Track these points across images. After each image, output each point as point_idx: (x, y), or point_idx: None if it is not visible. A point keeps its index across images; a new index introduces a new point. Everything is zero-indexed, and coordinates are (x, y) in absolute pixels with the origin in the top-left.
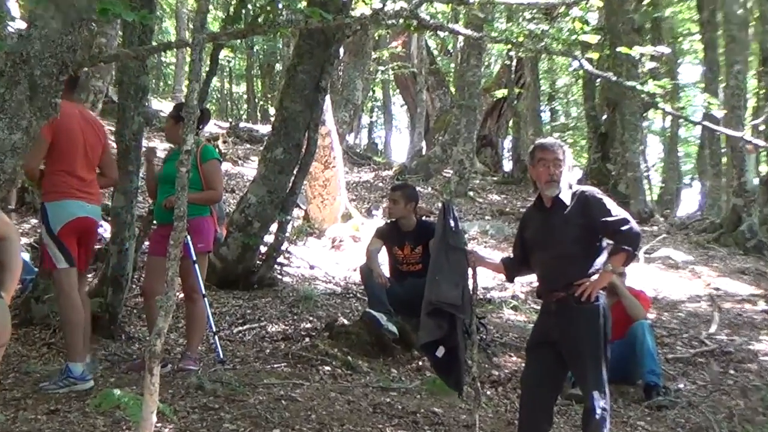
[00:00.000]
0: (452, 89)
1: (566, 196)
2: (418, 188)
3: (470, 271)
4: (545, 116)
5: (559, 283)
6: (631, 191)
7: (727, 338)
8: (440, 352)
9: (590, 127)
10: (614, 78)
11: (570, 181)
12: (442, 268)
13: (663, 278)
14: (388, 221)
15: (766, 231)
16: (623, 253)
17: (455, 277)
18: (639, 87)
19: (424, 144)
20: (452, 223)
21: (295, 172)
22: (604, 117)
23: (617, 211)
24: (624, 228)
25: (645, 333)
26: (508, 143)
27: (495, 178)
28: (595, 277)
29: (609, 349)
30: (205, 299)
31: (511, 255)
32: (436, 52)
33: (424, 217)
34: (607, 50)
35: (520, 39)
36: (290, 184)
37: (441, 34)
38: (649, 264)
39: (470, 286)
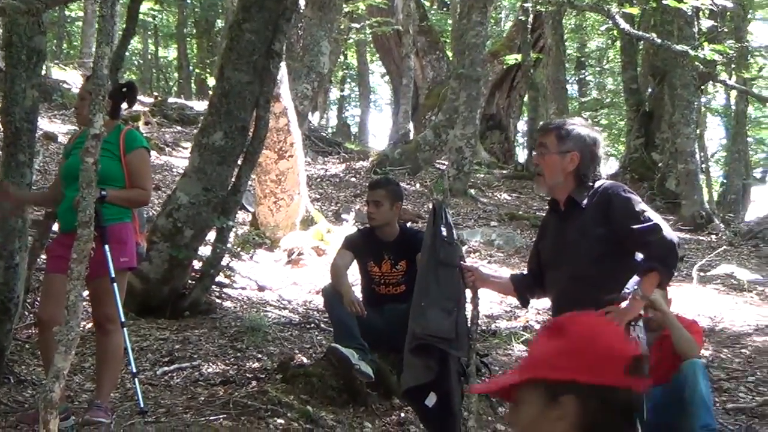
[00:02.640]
0: (449, 54)
1: (581, 196)
2: (403, 184)
3: (469, 294)
4: (572, 89)
5: (568, 304)
6: (682, 189)
7: None
8: (430, 400)
9: (630, 104)
10: (660, 41)
11: (596, 174)
12: (429, 292)
13: (723, 303)
14: (362, 228)
15: None
16: (654, 273)
17: (447, 303)
18: (692, 52)
19: (411, 126)
20: (444, 232)
21: (239, 163)
22: (649, 91)
23: (649, 215)
24: (653, 238)
25: (698, 375)
26: (522, 125)
27: (505, 172)
28: (625, 304)
29: (644, 399)
30: (125, 330)
31: (525, 271)
32: (428, 4)
33: (409, 224)
34: (653, 3)
35: None
36: (233, 180)
37: None
38: (704, 285)
39: (468, 314)
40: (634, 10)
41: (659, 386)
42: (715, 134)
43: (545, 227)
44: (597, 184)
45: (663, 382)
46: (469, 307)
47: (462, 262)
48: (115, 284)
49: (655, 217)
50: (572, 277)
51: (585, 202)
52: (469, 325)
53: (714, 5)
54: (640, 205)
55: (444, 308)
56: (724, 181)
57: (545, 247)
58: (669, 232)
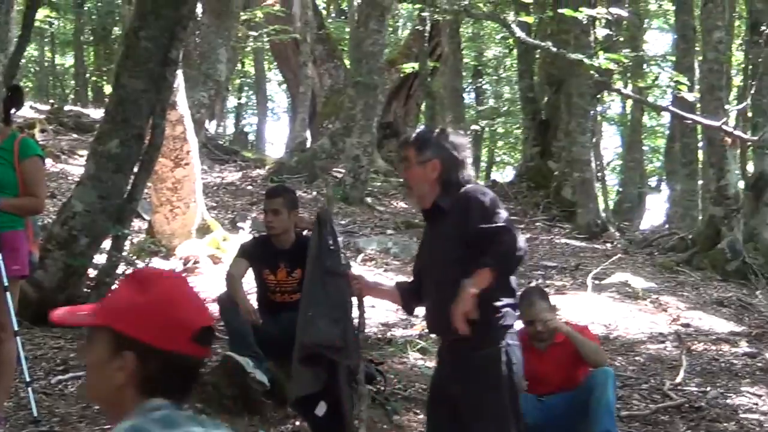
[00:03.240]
0: (347, 62)
1: (445, 201)
2: (299, 192)
3: (356, 302)
4: (469, 98)
5: (441, 320)
6: (578, 197)
7: (698, 390)
8: (321, 409)
9: (527, 112)
10: (555, 49)
11: (463, 178)
12: (317, 301)
13: (617, 311)
14: (257, 236)
15: (752, 250)
16: (487, 271)
17: (334, 312)
18: (587, 61)
19: (308, 134)
20: (330, 240)
21: (135, 170)
22: (545, 100)
23: (499, 218)
24: (497, 239)
25: (608, 383)
26: None
27: (402, 180)
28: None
29: (518, 405)
30: (18, 339)
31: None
32: (325, 13)
33: (305, 232)
34: (550, 12)
35: None
36: (129, 187)
37: None
38: (599, 293)
39: (356, 322)
40: (530, 19)
41: (562, 393)
42: (611, 143)
43: (423, 236)
44: (463, 189)
45: (565, 388)
46: (357, 314)
47: (348, 271)
48: (7, 292)
49: (506, 222)
50: (438, 282)
51: (447, 206)
52: (357, 332)
53: (609, 14)
54: (496, 209)
55: (332, 317)
56: (620, 189)
57: (420, 255)
58: (514, 237)
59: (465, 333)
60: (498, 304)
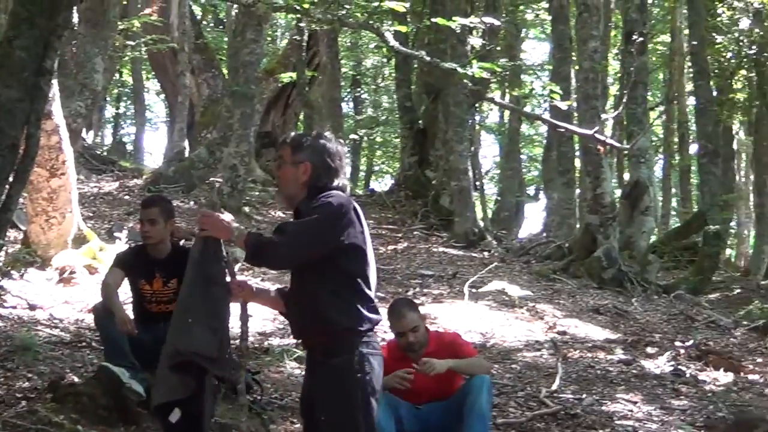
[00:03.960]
0: (225, 71)
1: (307, 206)
2: (176, 202)
3: (240, 309)
4: (347, 107)
5: (294, 326)
6: (455, 206)
7: (573, 397)
8: (174, 416)
9: (405, 122)
10: (429, 58)
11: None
12: (196, 308)
13: (494, 319)
14: (133, 245)
15: (627, 258)
16: (256, 242)
17: (213, 321)
18: (461, 70)
19: (186, 144)
20: (212, 251)
21: (10, 181)
22: (423, 109)
23: (304, 225)
24: (279, 233)
25: (483, 389)
26: None
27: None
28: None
29: (372, 416)
30: None
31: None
32: (204, 23)
33: (182, 241)
34: (426, 21)
35: (306, 5)
36: (3, 198)
37: None
38: (476, 301)
39: (238, 331)
40: (404, 28)
41: (439, 401)
42: (489, 152)
43: None
44: (323, 194)
45: (442, 396)
46: (237, 323)
47: (232, 278)
48: None
49: (306, 229)
50: (293, 288)
51: (306, 211)
52: (240, 341)
53: (483, 24)
54: (321, 219)
55: (210, 326)
56: (498, 198)
57: None
58: (292, 241)
59: None
60: (350, 311)
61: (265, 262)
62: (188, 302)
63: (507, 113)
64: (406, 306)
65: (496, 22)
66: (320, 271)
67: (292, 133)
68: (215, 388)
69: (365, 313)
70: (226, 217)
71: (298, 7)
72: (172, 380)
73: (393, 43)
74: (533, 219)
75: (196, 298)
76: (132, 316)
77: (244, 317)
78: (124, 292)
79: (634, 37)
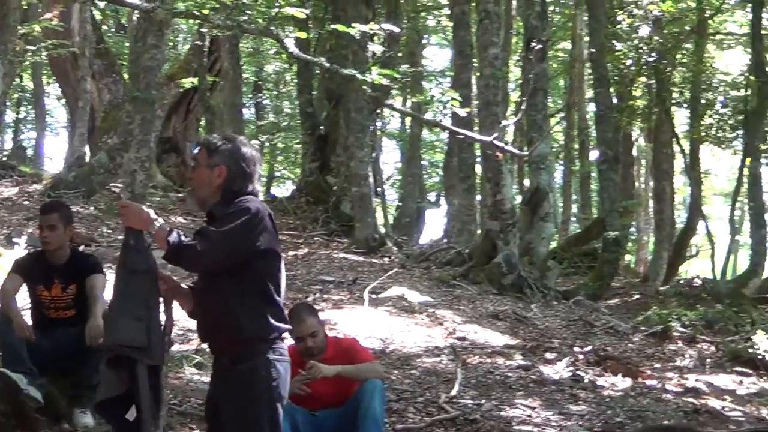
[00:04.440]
0: (126, 76)
1: (220, 210)
2: (76, 208)
3: (163, 303)
4: (249, 113)
5: (202, 328)
6: (356, 212)
7: (472, 402)
8: (131, 414)
9: (306, 127)
10: (328, 65)
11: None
12: (119, 299)
13: (394, 325)
14: (32, 251)
15: (527, 264)
16: (178, 243)
17: (136, 309)
18: (360, 76)
19: (87, 149)
20: (132, 241)
21: None
22: (324, 115)
23: (224, 231)
24: (200, 237)
25: (375, 394)
26: None
27: (181, 195)
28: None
29: (278, 421)
30: None
31: None
32: (105, 28)
33: (81, 247)
34: (328, 27)
35: (206, 11)
36: None
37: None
38: (376, 307)
39: (163, 321)
40: (304, 35)
41: (334, 407)
42: (390, 158)
43: None
44: (245, 197)
45: (338, 403)
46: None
47: (156, 270)
48: None
49: (223, 237)
50: (201, 290)
51: (219, 215)
52: (164, 332)
53: (382, 30)
54: (235, 220)
55: (134, 316)
56: (400, 204)
57: None
58: (209, 248)
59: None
60: (259, 319)
61: (183, 264)
62: (113, 295)
63: (408, 119)
64: (306, 311)
65: (396, 29)
66: (232, 276)
67: (209, 136)
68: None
69: (273, 321)
70: (147, 210)
71: (197, 13)
72: (109, 376)
73: (293, 49)
74: (434, 225)
75: (118, 290)
76: (30, 322)
77: (169, 312)
78: (23, 298)
79: (534, 44)
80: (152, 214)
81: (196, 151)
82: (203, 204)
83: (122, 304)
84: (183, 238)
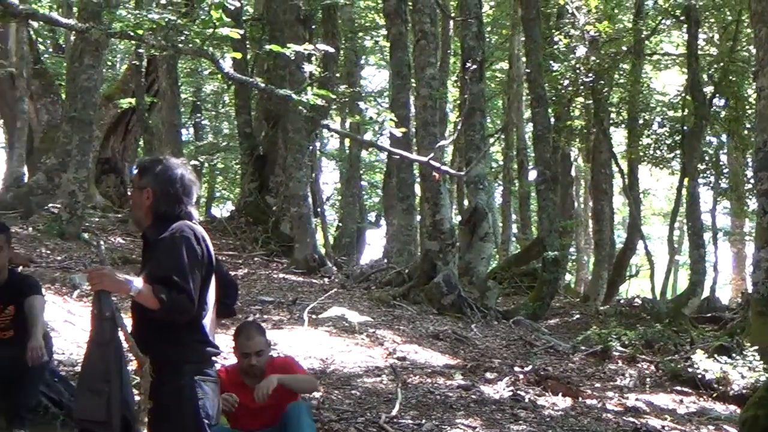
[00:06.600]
0: (64, 97)
1: (154, 233)
2: (15, 228)
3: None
4: (187, 133)
5: (142, 344)
6: (296, 232)
7: (413, 422)
8: None
9: (245, 148)
10: (263, 85)
11: (180, 212)
12: (83, 372)
13: (333, 345)
14: None
15: (467, 284)
16: (154, 299)
17: (96, 384)
18: (296, 96)
19: (25, 170)
20: (107, 313)
21: None
22: (263, 135)
23: (172, 265)
24: (164, 284)
25: (302, 416)
26: None
27: (120, 215)
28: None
29: None
30: None
31: None
32: (42, 48)
33: (20, 268)
34: (264, 48)
35: (141, 32)
36: None
37: (35, 24)
38: (316, 327)
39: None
40: (239, 55)
41: (268, 428)
42: (330, 178)
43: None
44: (175, 224)
45: (273, 423)
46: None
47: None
48: None
49: (177, 272)
50: (134, 308)
51: (152, 238)
52: (128, 400)
53: (316, 50)
54: (179, 256)
55: (94, 390)
56: (340, 224)
57: None
58: (192, 296)
59: None
60: (183, 344)
61: (176, 315)
62: (80, 369)
63: (347, 140)
64: (255, 329)
65: (332, 50)
66: None
67: (145, 157)
68: None
69: (199, 346)
70: (118, 272)
71: (132, 34)
72: None
73: (227, 69)
74: (374, 245)
75: (84, 364)
76: None
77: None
78: None
79: (469, 64)
80: (124, 275)
81: (136, 172)
82: (139, 225)
83: (85, 377)
84: (162, 294)
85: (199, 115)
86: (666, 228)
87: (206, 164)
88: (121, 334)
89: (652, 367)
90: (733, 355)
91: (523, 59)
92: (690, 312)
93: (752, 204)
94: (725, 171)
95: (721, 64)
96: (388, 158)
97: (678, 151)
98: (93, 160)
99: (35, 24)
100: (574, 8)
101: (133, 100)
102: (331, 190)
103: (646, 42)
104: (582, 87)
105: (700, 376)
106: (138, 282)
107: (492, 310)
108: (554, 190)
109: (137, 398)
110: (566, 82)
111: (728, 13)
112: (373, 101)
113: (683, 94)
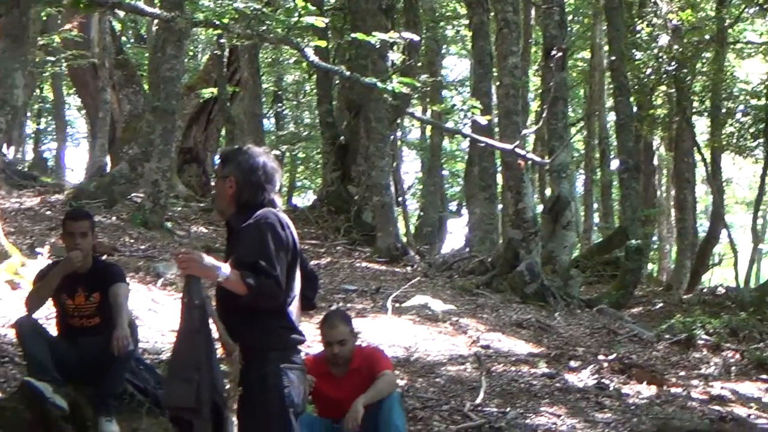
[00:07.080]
0: (146, 87)
1: (237, 221)
2: (98, 218)
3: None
4: (269, 123)
5: (228, 331)
6: (378, 221)
7: (497, 410)
8: None
9: (326, 137)
10: (348, 73)
11: (263, 200)
12: (173, 360)
13: (417, 334)
14: (55, 260)
15: (550, 272)
16: (242, 284)
17: (185, 372)
18: (381, 85)
19: (108, 159)
20: (197, 301)
21: None
22: (345, 124)
23: (258, 251)
24: (252, 270)
25: (394, 407)
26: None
27: (202, 205)
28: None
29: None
30: None
31: None
32: (124, 38)
33: (104, 257)
34: (347, 36)
35: (225, 20)
36: None
37: (120, 13)
38: (399, 315)
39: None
40: (323, 43)
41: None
42: (411, 167)
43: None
44: (260, 211)
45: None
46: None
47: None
48: None
49: (264, 257)
50: (220, 296)
51: (236, 226)
52: (221, 387)
53: (402, 39)
54: (265, 242)
55: (183, 377)
56: (421, 213)
57: None
58: (280, 282)
59: None
60: (270, 331)
61: (264, 301)
62: (170, 356)
63: (429, 129)
64: (339, 318)
65: (416, 38)
66: None
67: (228, 147)
68: None
69: (285, 333)
70: (208, 256)
71: (217, 23)
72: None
73: (312, 58)
74: (456, 234)
75: (175, 350)
76: (56, 331)
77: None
78: (48, 308)
79: (554, 52)
80: (212, 260)
81: (219, 162)
82: (222, 214)
83: (175, 364)
84: (250, 279)
85: (280, 104)
86: (749, 217)
87: (288, 154)
88: (210, 322)
89: (737, 356)
90: None
91: (605, 48)
92: None
93: None
94: None
95: None
96: (470, 147)
97: (761, 140)
98: (175, 149)
99: (121, 14)
100: None
101: (214, 90)
102: (413, 180)
103: (729, 30)
104: (665, 76)
105: None
106: (226, 268)
107: (575, 299)
108: (637, 179)
109: (227, 386)
110: (649, 70)
111: None
112: (455, 90)
113: (766, 83)
